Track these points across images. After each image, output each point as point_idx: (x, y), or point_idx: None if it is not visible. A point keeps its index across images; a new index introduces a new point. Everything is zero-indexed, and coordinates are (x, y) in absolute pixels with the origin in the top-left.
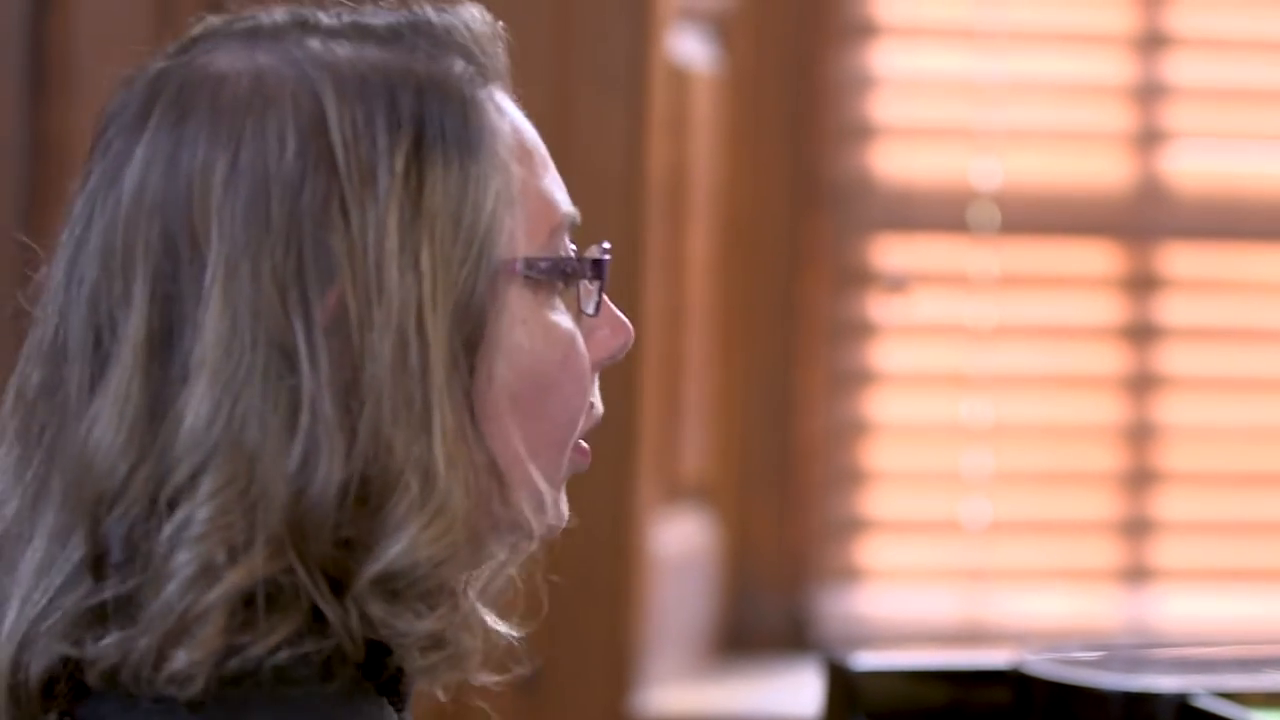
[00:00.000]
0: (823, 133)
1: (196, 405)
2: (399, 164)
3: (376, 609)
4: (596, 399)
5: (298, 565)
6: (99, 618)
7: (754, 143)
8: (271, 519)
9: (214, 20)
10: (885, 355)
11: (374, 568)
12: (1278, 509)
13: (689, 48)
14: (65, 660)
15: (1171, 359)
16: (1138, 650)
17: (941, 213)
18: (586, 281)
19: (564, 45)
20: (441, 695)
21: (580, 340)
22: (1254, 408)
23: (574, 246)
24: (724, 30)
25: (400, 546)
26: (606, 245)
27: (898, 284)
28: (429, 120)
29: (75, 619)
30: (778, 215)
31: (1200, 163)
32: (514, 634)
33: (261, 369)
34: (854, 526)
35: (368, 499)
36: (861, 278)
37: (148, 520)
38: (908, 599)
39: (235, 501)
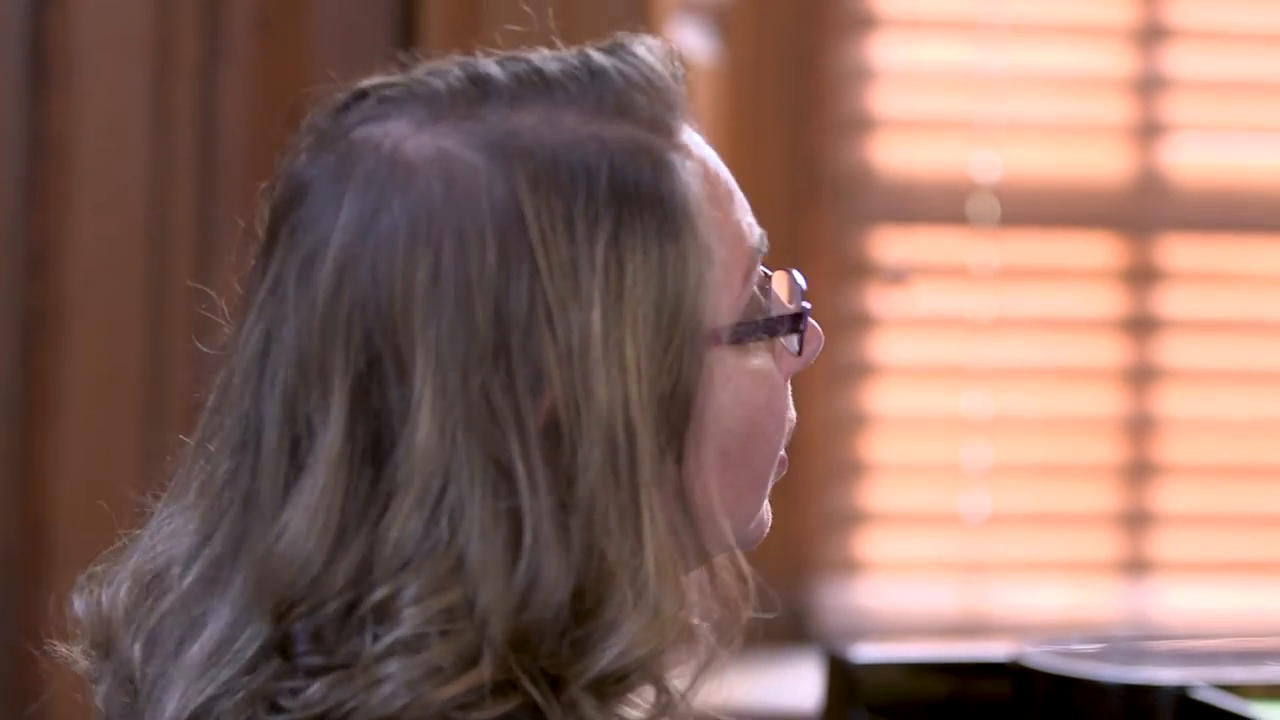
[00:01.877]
0: (822, 125)
1: (406, 517)
2: (599, 256)
3: (588, 707)
4: (791, 410)
5: (521, 675)
6: (272, 706)
7: (754, 135)
8: (495, 634)
9: (377, 81)
10: (885, 347)
11: (590, 670)
12: (1277, 501)
13: (688, 40)
14: None
15: (1171, 351)
16: (1137, 642)
17: (941, 205)
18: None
19: (566, 38)
20: None
21: (778, 374)
22: (1254, 400)
23: (765, 270)
24: (723, 22)
25: (615, 649)
26: (804, 286)
27: (897, 276)
28: (626, 203)
29: (256, 697)
30: (777, 207)
31: (1200, 155)
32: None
33: (477, 485)
34: (853, 519)
35: (583, 606)
36: (861, 270)
37: (343, 625)
38: (907, 591)
39: (457, 614)
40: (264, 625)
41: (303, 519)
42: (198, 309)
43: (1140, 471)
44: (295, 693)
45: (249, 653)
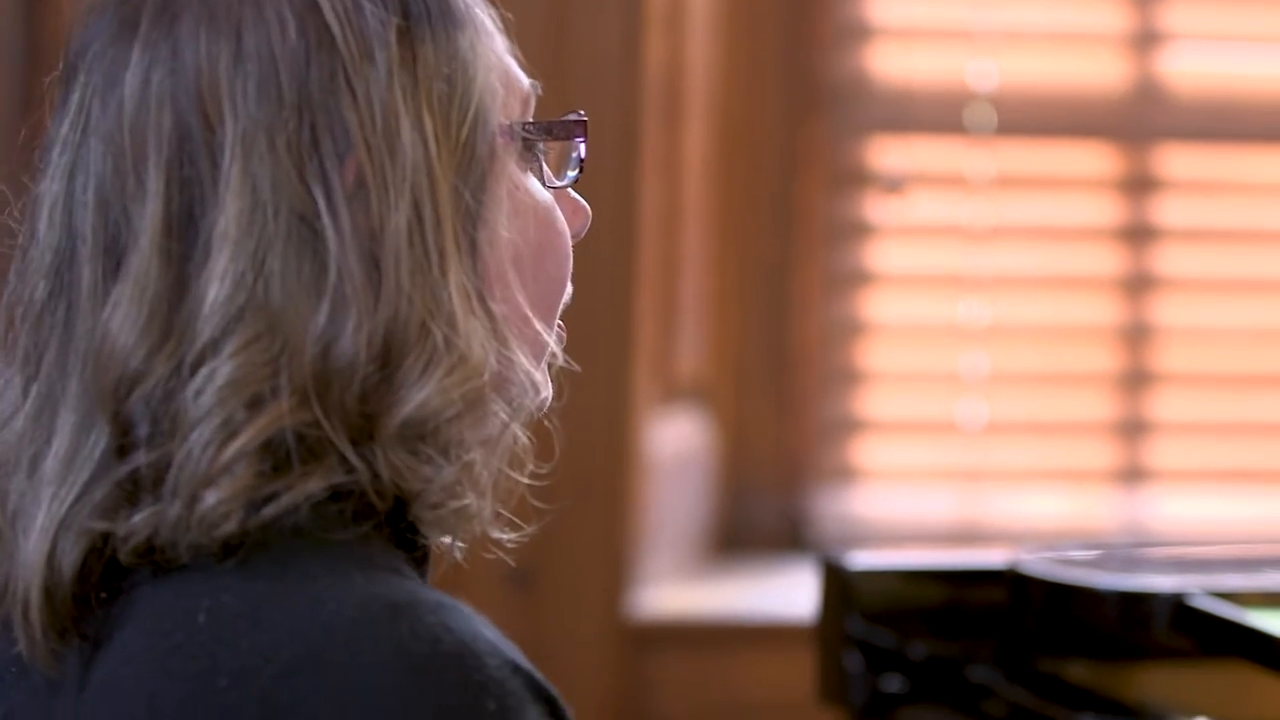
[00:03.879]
0: (820, 33)
1: (220, 277)
2: (391, 36)
3: (398, 458)
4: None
5: (322, 418)
6: (131, 494)
7: (750, 43)
8: (297, 373)
9: None
10: (882, 256)
11: (399, 415)
12: (1274, 410)
13: None
14: (97, 547)
15: (1168, 260)
16: (1134, 550)
17: (938, 114)
18: (571, 144)
19: None
20: (459, 556)
21: (556, 207)
22: (1250, 309)
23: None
24: None
25: (424, 395)
26: (582, 112)
27: (894, 185)
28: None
29: (108, 500)
30: (774, 116)
31: (1197, 64)
32: (524, 484)
33: (285, 236)
34: (850, 427)
35: (389, 354)
36: (858, 178)
37: (171, 390)
38: (903, 499)
39: (260, 356)
40: (105, 418)
41: (130, 296)
42: None
43: (1137, 380)
44: (131, 496)
45: (100, 449)
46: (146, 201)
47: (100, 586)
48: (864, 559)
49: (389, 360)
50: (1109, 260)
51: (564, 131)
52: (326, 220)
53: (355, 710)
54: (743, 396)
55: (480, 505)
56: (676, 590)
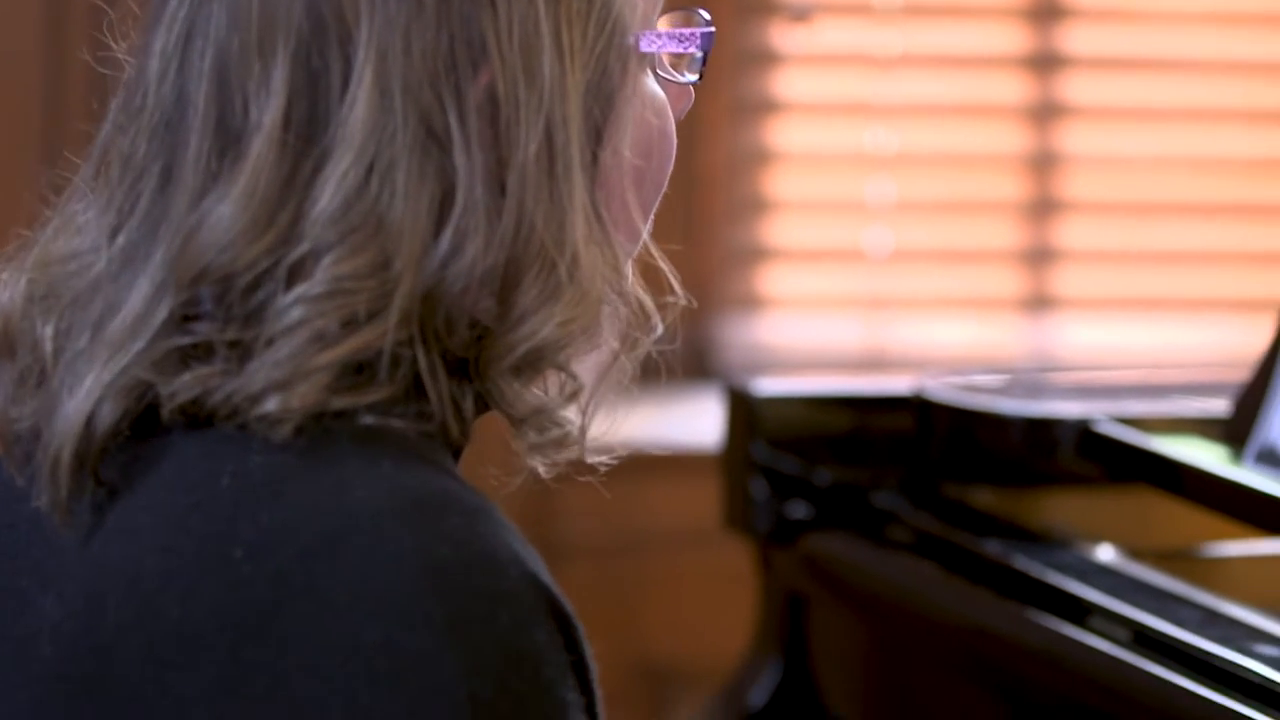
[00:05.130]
0: None
1: (337, 183)
2: None
3: (506, 385)
4: None
5: (419, 341)
6: (188, 359)
7: None
8: (405, 294)
9: None
10: (788, 84)
11: (514, 345)
12: (1179, 237)
13: None
14: (138, 401)
15: (1075, 88)
16: (1039, 376)
17: None
18: (695, 50)
19: None
20: (544, 473)
21: (671, 108)
22: (1156, 137)
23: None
24: None
25: (542, 328)
26: (708, 16)
27: (801, 12)
28: None
29: (163, 361)
30: None
31: None
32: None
33: (410, 147)
34: (756, 255)
35: (507, 283)
36: (765, 7)
37: (260, 286)
38: (810, 327)
39: (367, 272)
40: (183, 296)
41: (241, 189)
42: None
43: (1043, 208)
44: (186, 360)
45: (165, 319)
46: (270, 91)
47: (130, 433)
48: (769, 386)
49: (506, 289)
50: (1016, 88)
51: (697, 42)
52: (456, 135)
53: (368, 603)
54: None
55: (583, 428)
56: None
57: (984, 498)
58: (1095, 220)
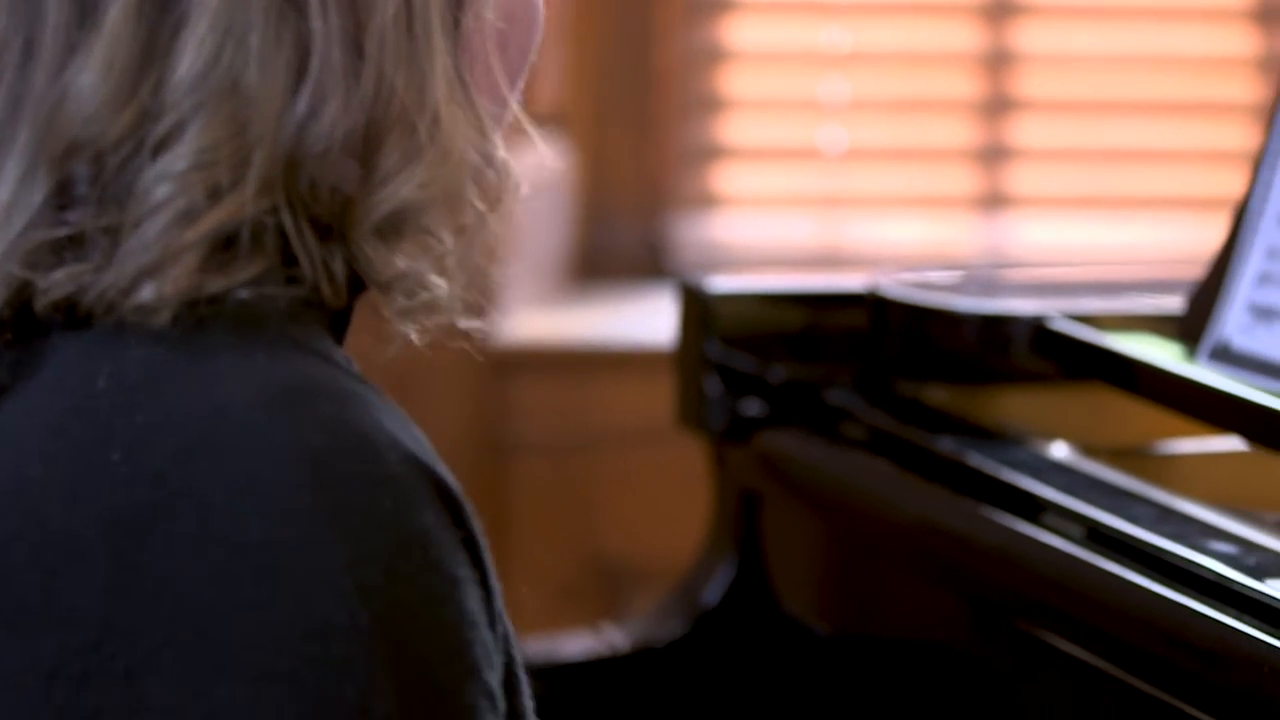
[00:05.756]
0: None
1: (195, 49)
2: None
3: (370, 249)
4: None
5: (284, 208)
6: (63, 251)
7: None
8: (267, 162)
9: None
10: None
11: (375, 207)
12: (1134, 135)
13: None
14: (15, 296)
15: None
16: (994, 273)
17: None
18: None
19: None
20: (416, 339)
21: None
22: (1111, 35)
23: None
24: None
25: (402, 189)
26: None
27: None
28: None
29: (38, 253)
30: None
31: None
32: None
33: (266, 10)
34: (710, 153)
35: (368, 146)
36: None
37: (128, 164)
38: (764, 225)
39: (228, 142)
40: (52, 175)
41: (99, 56)
42: None
43: (998, 106)
44: (60, 254)
45: (39, 203)
46: None
47: (10, 334)
48: (723, 283)
49: (367, 152)
50: None
51: None
52: (313, 0)
53: (247, 499)
54: (603, 122)
55: (450, 291)
56: (536, 317)
57: (938, 395)
58: (1050, 118)
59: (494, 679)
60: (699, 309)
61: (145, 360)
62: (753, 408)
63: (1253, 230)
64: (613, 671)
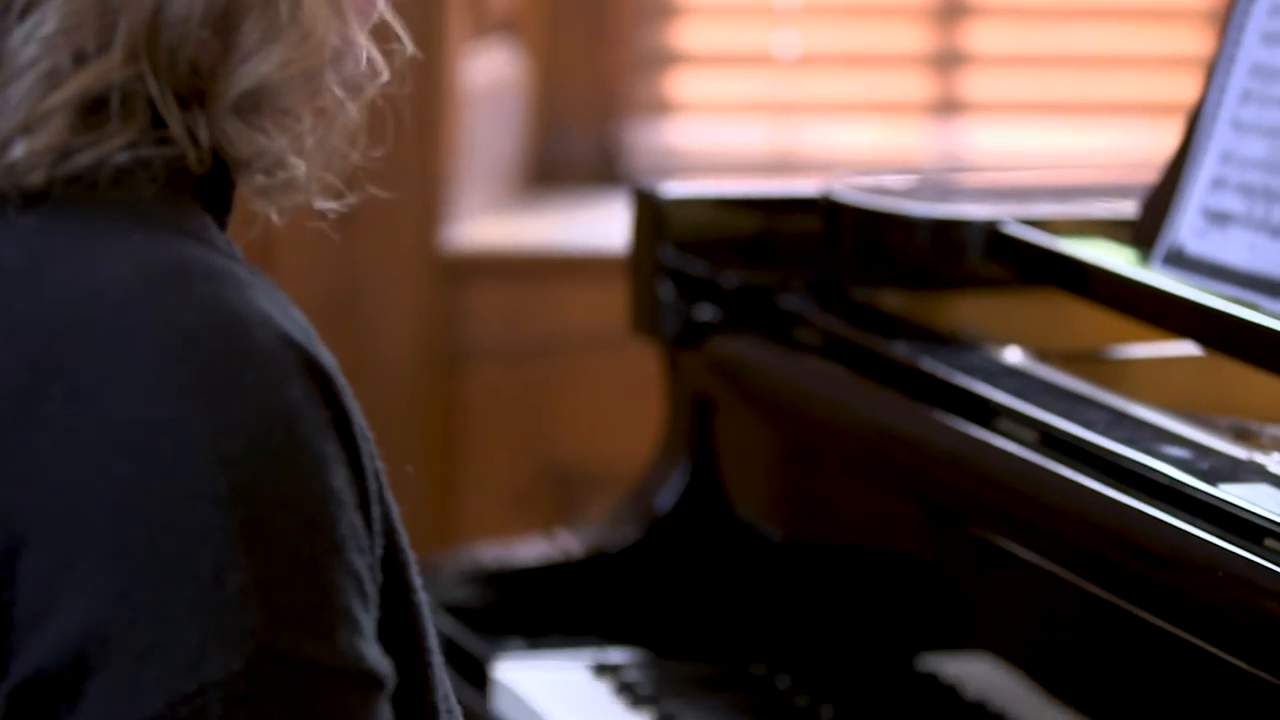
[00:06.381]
0: None
1: None
2: None
3: (229, 125)
4: None
5: (150, 75)
6: None
7: None
8: (129, 27)
9: None
10: None
11: (234, 84)
12: (1088, 41)
13: None
14: None
15: None
16: (947, 178)
17: None
18: None
19: None
20: (275, 218)
21: None
22: None
23: None
24: None
25: (261, 67)
26: None
27: None
28: None
29: None
30: None
31: None
32: (356, 164)
33: None
34: (664, 59)
35: (228, 20)
36: None
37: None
38: (718, 131)
39: (93, 6)
40: None
41: None
42: None
43: (951, 11)
44: None
45: None
46: None
47: None
48: (677, 188)
49: (227, 26)
50: None
51: None
52: None
53: (118, 378)
54: (556, 28)
55: (308, 172)
56: (490, 223)
57: (892, 300)
58: (1004, 23)
59: (362, 561)
60: (652, 214)
61: (26, 246)
62: (706, 313)
63: (1206, 135)
64: (567, 577)
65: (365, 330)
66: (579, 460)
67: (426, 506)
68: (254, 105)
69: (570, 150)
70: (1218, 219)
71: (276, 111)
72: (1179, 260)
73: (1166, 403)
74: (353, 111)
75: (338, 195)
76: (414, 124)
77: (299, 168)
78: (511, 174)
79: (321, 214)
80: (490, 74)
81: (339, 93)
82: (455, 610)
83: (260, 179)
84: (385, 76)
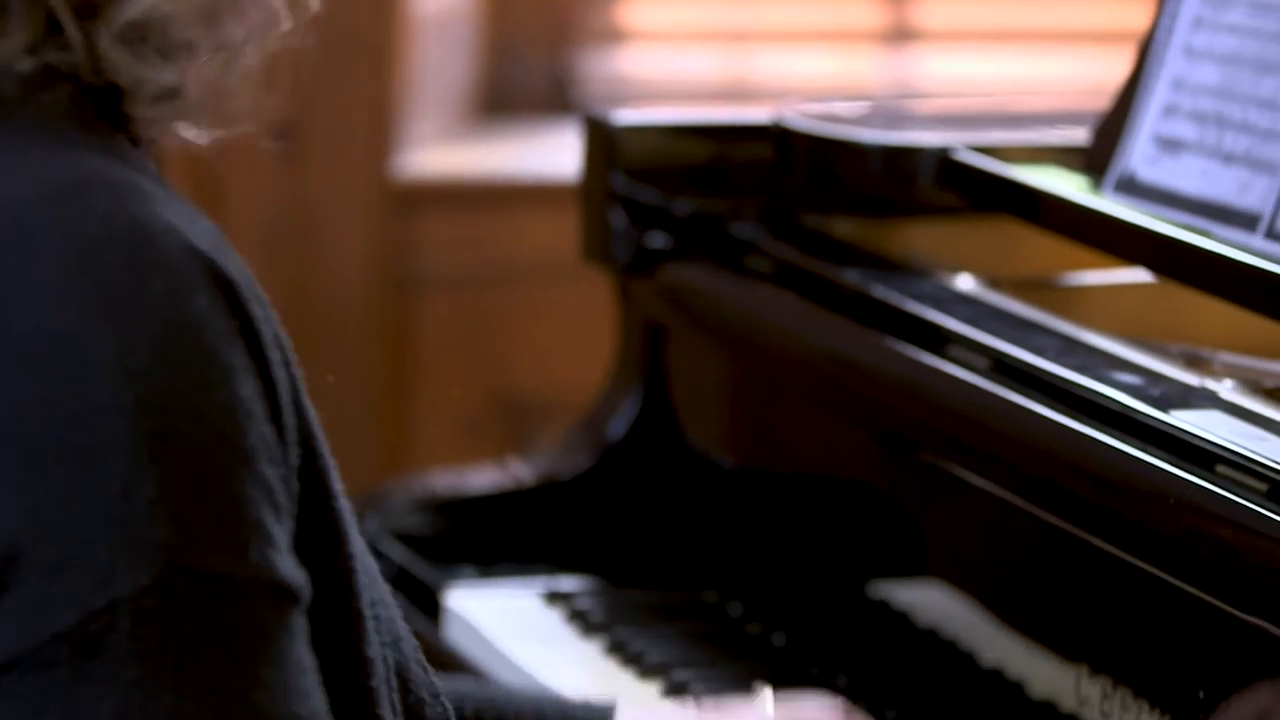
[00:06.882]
0: None
1: None
2: None
3: (117, 54)
4: None
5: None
6: None
7: None
8: None
9: None
10: None
11: (124, 12)
12: None
13: None
14: None
15: None
16: (899, 104)
17: None
18: None
19: None
20: (200, 142)
21: None
22: None
23: None
24: None
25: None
26: None
27: None
28: None
29: None
30: None
31: None
32: (264, 99)
33: None
34: None
35: None
36: None
37: None
38: (670, 59)
39: None
40: None
41: None
42: None
43: None
44: None
45: None
46: None
47: None
48: (628, 115)
49: None
50: None
51: None
52: None
53: (20, 292)
54: None
55: (201, 100)
56: (442, 151)
57: (843, 227)
58: None
59: (274, 472)
60: (604, 142)
61: None
62: (658, 240)
63: (1158, 62)
64: (518, 505)
65: (317, 258)
66: (531, 388)
67: (378, 434)
68: (140, 35)
69: (522, 78)
70: (1169, 146)
71: (166, 45)
72: (1130, 187)
73: (1118, 329)
74: (251, 51)
75: (225, 125)
76: (365, 49)
77: (187, 98)
78: (463, 102)
79: (270, 142)
80: (442, 2)
81: (238, 31)
82: (407, 538)
83: (144, 108)
84: (287, 23)
